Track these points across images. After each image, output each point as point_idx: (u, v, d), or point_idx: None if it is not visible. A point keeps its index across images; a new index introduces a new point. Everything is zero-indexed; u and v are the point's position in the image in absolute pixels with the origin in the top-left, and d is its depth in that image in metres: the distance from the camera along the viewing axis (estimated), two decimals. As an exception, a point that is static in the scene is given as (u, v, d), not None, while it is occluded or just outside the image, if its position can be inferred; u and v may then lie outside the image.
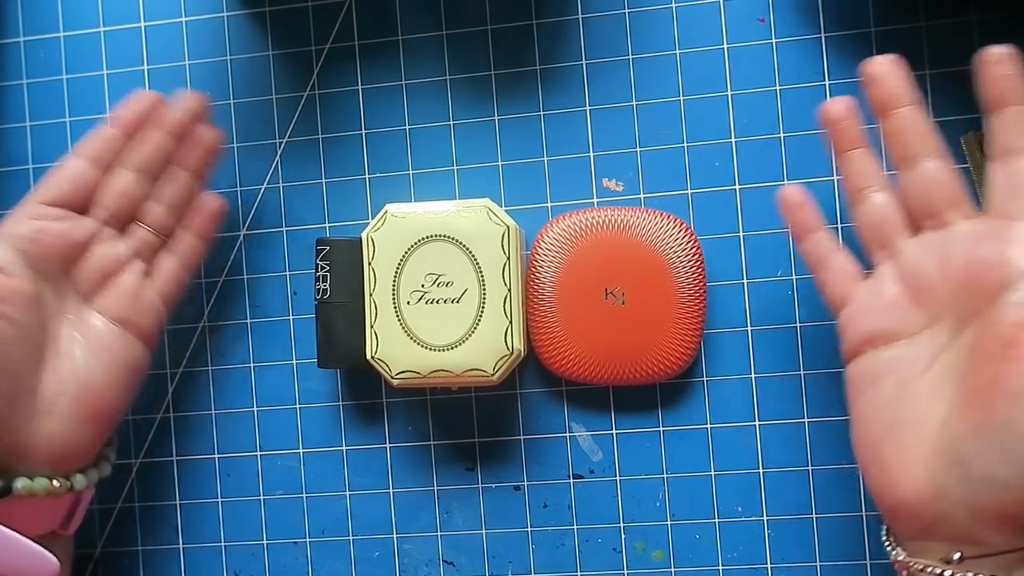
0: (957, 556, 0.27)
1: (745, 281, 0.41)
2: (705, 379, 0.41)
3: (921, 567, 0.28)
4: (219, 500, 0.43)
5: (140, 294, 0.37)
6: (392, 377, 0.38)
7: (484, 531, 0.42)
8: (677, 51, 0.41)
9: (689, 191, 0.41)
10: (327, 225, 0.43)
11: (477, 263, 0.37)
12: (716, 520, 0.41)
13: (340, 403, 0.43)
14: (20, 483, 0.32)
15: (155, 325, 0.38)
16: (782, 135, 0.41)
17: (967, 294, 0.29)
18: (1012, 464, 0.25)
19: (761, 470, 0.41)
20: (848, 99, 0.34)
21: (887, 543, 0.31)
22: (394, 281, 0.38)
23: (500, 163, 0.42)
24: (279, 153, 0.43)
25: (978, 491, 0.26)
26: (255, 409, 0.43)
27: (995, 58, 0.30)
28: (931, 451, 0.28)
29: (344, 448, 0.43)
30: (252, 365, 0.43)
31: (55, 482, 0.34)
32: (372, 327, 0.38)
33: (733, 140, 0.41)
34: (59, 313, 0.35)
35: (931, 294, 0.30)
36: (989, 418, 0.26)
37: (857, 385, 0.32)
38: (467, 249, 0.37)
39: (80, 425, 0.34)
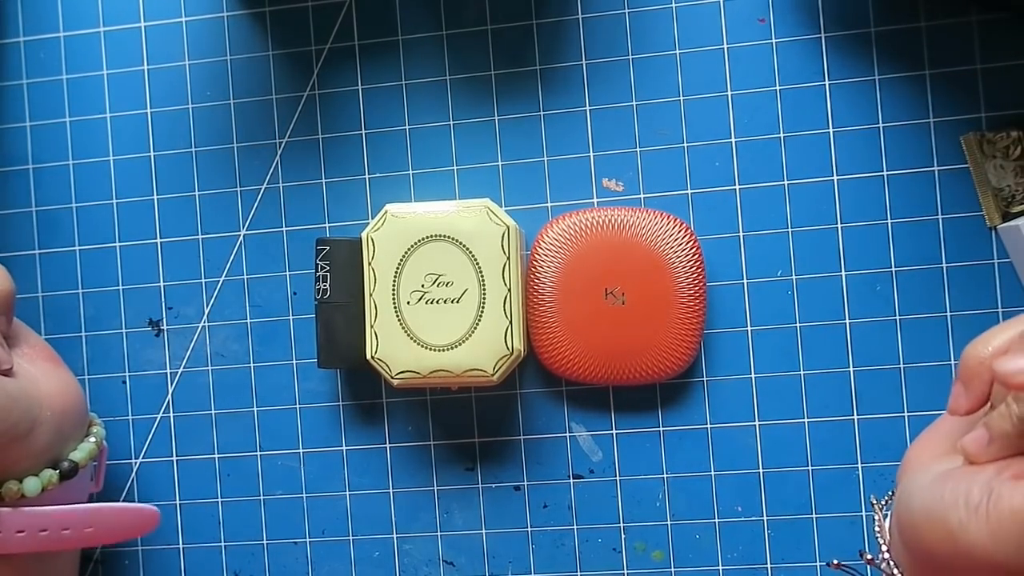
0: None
1: (745, 281, 0.41)
2: (705, 379, 0.41)
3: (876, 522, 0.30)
4: (219, 500, 0.43)
5: None
6: (392, 377, 0.38)
7: (484, 531, 0.42)
8: (677, 51, 0.41)
9: (689, 191, 0.41)
10: (327, 225, 0.43)
11: (477, 263, 0.37)
12: (716, 520, 0.41)
13: (340, 403, 0.43)
14: (79, 455, 0.37)
15: None
16: (782, 135, 0.41)
17: None
18: (920, 497, 0.26)
19: (761, 470, 0.41)
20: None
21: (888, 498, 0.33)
22: (394, 281, 0.38)
23: (500, 163, 0.42)
24: (279, 153, 0.43)
25: (905, 495, 0.27)
26: (255, 409, 0.43)
27: None
28: (939, 453, 0.28)
29: (344, 448, 0.43)
30: (252, 365, 0.43)
31: (91, 439, 0.38)
32: (372, 327, 0.38)
33: (733, 140, 0.41)
34: None
35: None
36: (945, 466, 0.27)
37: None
38: (467, 249, 0.37)
39: (58, 369, 0.38)
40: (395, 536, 0.42)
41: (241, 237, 0.43)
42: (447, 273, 0.37)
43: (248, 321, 0.43)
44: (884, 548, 0.29)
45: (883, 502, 0.32)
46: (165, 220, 0.44)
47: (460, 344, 0.37)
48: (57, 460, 0.36)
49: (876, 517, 0.31)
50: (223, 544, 0.43)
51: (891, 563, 0.29)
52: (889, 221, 0.40)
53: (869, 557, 0.31)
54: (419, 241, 0.38)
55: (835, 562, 0.34)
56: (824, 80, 0.40)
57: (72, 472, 0.36)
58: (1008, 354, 0.25)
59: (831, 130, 0.40)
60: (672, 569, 0.41)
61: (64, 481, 0.36)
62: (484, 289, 0.37)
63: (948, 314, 0.40)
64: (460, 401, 0.42)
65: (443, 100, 0.43)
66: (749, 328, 0.41)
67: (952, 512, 0.24)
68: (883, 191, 0.40)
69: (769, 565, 0.40)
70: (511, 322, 0.37)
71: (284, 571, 0.43)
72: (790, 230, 0.41)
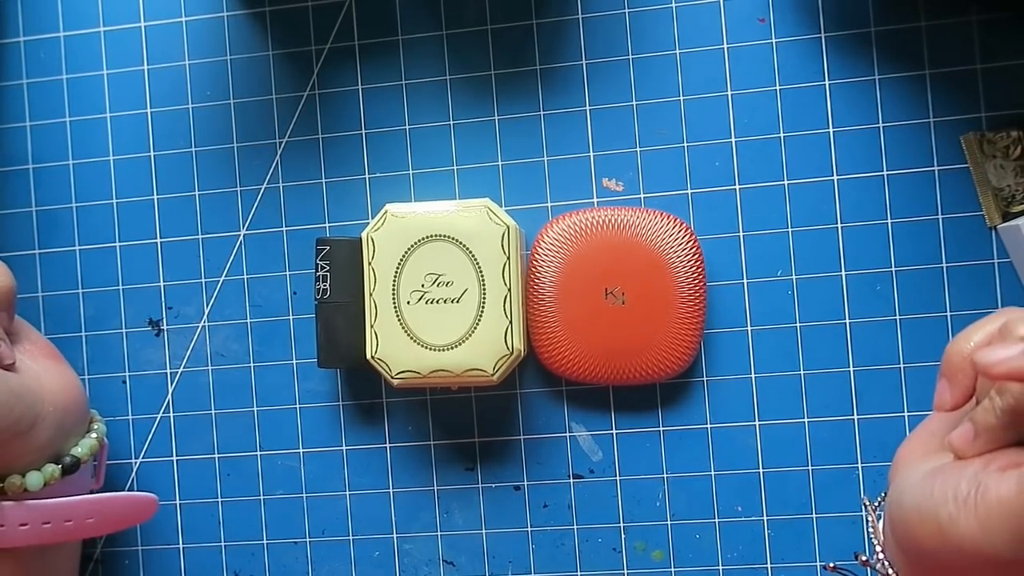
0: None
1: (745, 281, 0.41)
2: (705, 379, 0.41)
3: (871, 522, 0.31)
4: (219, 500, 0.43)
5: None
6: (392, 377, 0.38)
7: (484, 531, 0.42)
8: (677, 51, 0.41)
9: (689, 191, 0.41)
10: (327, 225, 0.43)
11: (477, 263, 0.37)
12: (716, 520, 0.41)
13: (340, 403, 0.43)
14: (80, 450, 0.37)
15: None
16: (782, 135, 0.41)
17: None
18: (911, 494, 0.26)
19: (761, 470, 0.41)
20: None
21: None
22: (394, 281, 0.38)
23: (500, 163, 0.42)
24: (279, 153, 0.43)
25: (896, 494, 0.27)
26: (255, 409, 0.43)
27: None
28: (928, 450, 0.29)
29: (344, 448, 0.43)
30: (252, 365, 0.43)
31: (92, 435, 0.38)
32: (372, 327, 0.38)
33: (733, 140, 0.41)
34: None
35: None
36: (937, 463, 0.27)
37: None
38: (467, 249, 0.37)
39: (59, 365, 0.38)
40: (395, 536, 0.42)
41: (241, 237, 0.43)
42: (447, 273, 0.37)
43: (248, 321, 0.43)
44: (878, 549, 0.29)
45: (876, 503, 0.33)
46: (165, 220, 0.44)
47: (460, 344, 0.37)
48: (59, 455, 0.36)
49: (870, 518, 0.31)
50: (223, 544, 0.43)
51: (885, 564, 0.29)
52: (889, 221, 0.40)
53: (864, 559, 0.31)
54: (419, 241, 0.38)
55: (831, 565, 0.34)
56: (824, 80, 0.40)
57: (74, 467, 0.36)
58: (988, 346, 0.25)
59: (831, 130, 0.40)
60: (672, 569, 0.41)
61: (66, 476, 0.36)
62: (484, 289, 0.37)
63: (948, 314, 0.40)
64: (460, 401, 0.42)
65: (443, 100, 0.43)
66: (749, 328, 0.41)
67: (942, 507, 0.25)
68: (883, 191, 0.40)
69: (769, 565, 0.40)
70: (511, 322, 0.37)
71: (284, 571, 0.43)
72: (790, 230, 0.41)
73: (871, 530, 0.31)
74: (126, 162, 0.44)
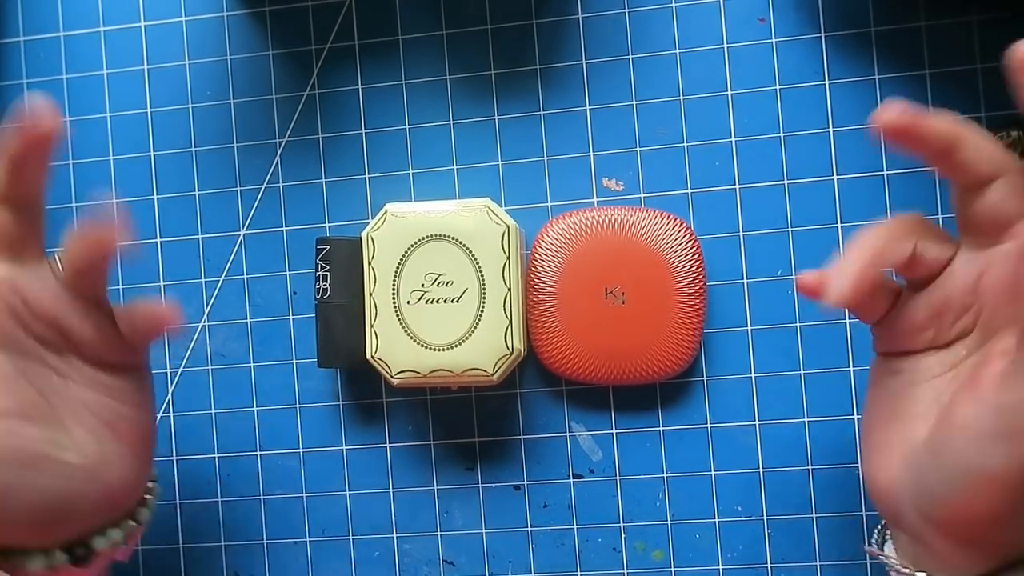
0: (907, 571, 0.29)
1: (745, 281, 0.41)
2: (705, 379, 0.41)
3: (881, 555, 0.31)
4: (219, 500, 0.43)
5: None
6: (392, 377, 0.38)
7: (484, 531, 0.42)
8: (677, 51, 0.41)
9: (689, 191, 0.41)
10: (327, 225, 0.43)
11: (477, 263, 0.37)
12: (716, 520, 0.41)
13: (340, 403, 0.43)
14: (100, 542, 0.31)
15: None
16: (782, 135, 0.41)
17: (999, 310, 0.27)
18: (945, 482, 0.26)
19: (761, 470, 0.41)
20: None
21: (876, 533, 0.33)
22: (394, 281, 0.38)
23: (500, 163, 0.42)
24: (279, 153, 0.43)
25: (921, 499, 0.27)
26: (255, 409, 0.43)
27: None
28: (905, 450, 0.28)
29: (344, 448, 0.43)
30: (252, 365, 0.43)
31: (131, 522, 0.33)
32: (372, 327, 0.38)
33: (733, 140, 0.41)
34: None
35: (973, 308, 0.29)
36: (937, 434, 0.27)
37: (876, 373, 0.32)
38: (467, 249, 0.37)
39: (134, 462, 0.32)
40: (395, 536, 0.42)
41: (241, 237, 0.43)
42: (447, 273, 0.37)
43: (248, 321, 0.43)
44: (899, 565, 0.29)
45: (875, 538, 0.33)
46: (165, 220, 0.44)
47: (460, 344, 0.37)
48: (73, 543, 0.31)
49: (880, 558, 0.31)
50: (223, 544, 0.43)
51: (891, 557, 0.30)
52: (889, 221, 0.40)
53: (871, 549, 0.31)
54: (419, 241, 0.38)
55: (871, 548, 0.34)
56: (824, 80, 0.40)
57: (85, 559, 0.31)
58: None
59: (831, 130, 0.40)
60: (672, 569, 0.41)
61: (75, 566, 0.31)
62: (484, 289, 0.37)
63: (948, 314, 0.40)
64: (460, 401, 0.42)
65: (443, 100, 0.43)
66: (749, 328, 0.41)
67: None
68: (883, 191, 0.40)
69: (769, 565, 0.40)
70: (511, 322, 0.37)
71: (284, 571, 0.43)
72: (790, 230, 0.41)
73: (883, 559, 0.31)
74: (126, 162, 0.44)
